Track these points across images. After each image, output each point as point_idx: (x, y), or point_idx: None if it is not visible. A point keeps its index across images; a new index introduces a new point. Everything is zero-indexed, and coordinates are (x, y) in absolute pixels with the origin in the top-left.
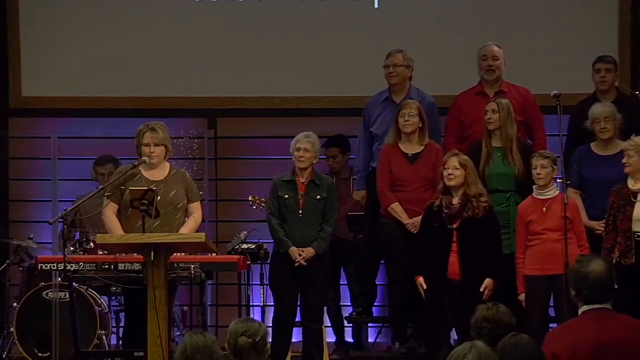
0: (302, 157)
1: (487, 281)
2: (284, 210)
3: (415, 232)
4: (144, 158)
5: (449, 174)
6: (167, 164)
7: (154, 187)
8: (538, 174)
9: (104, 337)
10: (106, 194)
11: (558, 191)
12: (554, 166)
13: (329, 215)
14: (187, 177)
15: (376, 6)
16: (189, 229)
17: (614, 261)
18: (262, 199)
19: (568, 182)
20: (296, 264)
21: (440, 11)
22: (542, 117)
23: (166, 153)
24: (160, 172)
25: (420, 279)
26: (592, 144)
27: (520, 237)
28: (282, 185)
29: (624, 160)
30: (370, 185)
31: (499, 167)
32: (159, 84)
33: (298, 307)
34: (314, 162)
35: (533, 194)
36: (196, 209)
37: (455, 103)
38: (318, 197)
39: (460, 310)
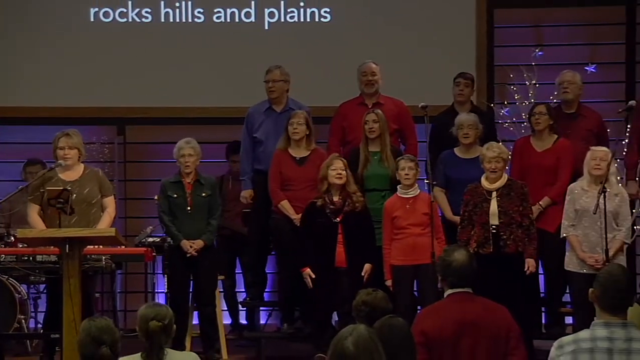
0: (187, 162)
1: (367, 266)
2: (174, 208)
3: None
4: (60, 161)
5: (338, 174)
6: (82, 166)
7: (69, 187)
8: (406, 174)
9: (23, 321)
10: (28, 197)
11: (419, 190)
12: (418, 168)
13: (215, 211)
14: (99, 175)
15: (266, 28)
16: (106, 224)
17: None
18: None
19: (434, 182)
20: (188, 255)
21: (322, 32)
22: (414, 125)
23: (80, 156)
24: (74, 173)
25: (307, 270)
26: (455, 149)
27: (387, 231)
28: (170, 186)
29: (491, 167)
30: (256, 185)
31: (376, 169)
32: (73, 95)
33: (190, 293)
34: (197, 164)
35: (398, 192)
36: (110, 203)
37: (338, 111)
38: (204, 194)
39: (348, 295)
